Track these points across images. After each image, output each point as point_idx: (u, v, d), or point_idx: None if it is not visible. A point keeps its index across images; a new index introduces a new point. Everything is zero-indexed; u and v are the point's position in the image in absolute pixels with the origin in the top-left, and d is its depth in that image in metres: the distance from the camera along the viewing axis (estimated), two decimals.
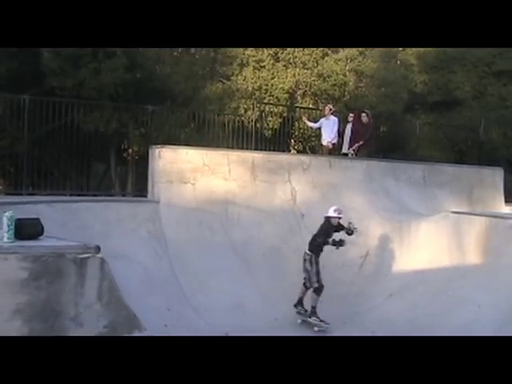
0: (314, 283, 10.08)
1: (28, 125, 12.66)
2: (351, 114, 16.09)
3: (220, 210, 11.68)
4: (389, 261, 11.58)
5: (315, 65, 19.46)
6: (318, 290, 10.08)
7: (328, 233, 10.24)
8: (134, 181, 15.45)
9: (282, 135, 17.55)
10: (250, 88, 18.84)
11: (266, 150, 15.55)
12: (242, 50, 19.24)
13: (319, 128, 16.01)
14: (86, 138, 13.94)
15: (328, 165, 13.25)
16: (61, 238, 6.14)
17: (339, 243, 10.09)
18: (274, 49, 19.33)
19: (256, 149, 15.49)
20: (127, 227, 10.65)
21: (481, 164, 17.12)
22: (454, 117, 19.90)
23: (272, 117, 18.15)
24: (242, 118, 17.04)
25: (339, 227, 10.38)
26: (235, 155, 12.50)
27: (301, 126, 18.36)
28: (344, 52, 20.63)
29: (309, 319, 10.14)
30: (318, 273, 10.10)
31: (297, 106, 18.93)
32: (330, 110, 15.72)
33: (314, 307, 10.12)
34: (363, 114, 15.31)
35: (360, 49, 20.20)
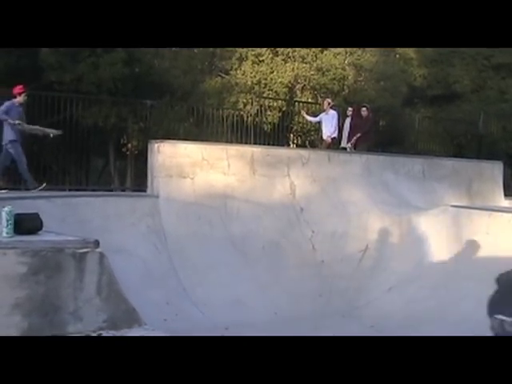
0: None
1: (26, 120, 12.65)
2: (350, 109, 16.08)
3: (219, 204, 11.68)
4: (388, 255, 11.58)
5: (314, 59, 19.42)
6: None
7: None
8: (133, 175, 15.49)
9: (281, 129, 17.56)
10: (249, 82, 18.81)
11: (265, 144, 15.57)
12: None
13: (319, 122, 16.00)
14: (85, 132, 13.97)
15: (327, 159, 13.24)
16: (60, 232, 6.15)
17: None
18: None
19: (255, 143, 15.51)
20: (126, 222, 10.65)
21: (480, 158, 17.15)
22: (453, 110, 19.93)
23: (271, 111, 18.15)
24: (241, 113, 17.05)
25: None
26: (234, 149, 12.49)
27: (300, 121, 18.36)
28: None
29: None
30: None
31: (296, 101, 18.92)
32: (329, 103, 15.70)
33: None
34: (363, 109, 15.31)
35: None
